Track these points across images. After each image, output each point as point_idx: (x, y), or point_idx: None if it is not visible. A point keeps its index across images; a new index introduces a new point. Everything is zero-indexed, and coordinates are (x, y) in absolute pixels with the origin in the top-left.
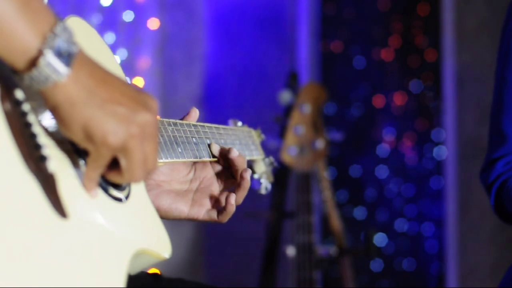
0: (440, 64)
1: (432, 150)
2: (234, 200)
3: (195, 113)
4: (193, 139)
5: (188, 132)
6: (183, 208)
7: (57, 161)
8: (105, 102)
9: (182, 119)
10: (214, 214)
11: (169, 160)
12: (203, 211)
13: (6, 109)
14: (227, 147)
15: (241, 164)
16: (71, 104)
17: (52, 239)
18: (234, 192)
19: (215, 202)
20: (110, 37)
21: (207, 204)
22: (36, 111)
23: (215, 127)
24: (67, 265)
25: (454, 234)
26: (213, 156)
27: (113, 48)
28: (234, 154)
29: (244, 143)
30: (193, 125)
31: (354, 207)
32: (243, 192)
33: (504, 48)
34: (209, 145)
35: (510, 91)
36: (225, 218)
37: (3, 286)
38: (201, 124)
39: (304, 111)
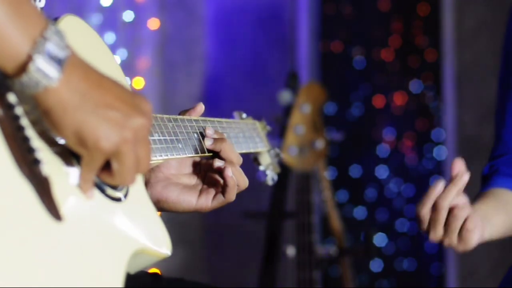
0: (440, 64)
1: (432, 150)
2: (230, 172)
3: (200, 108)
4: (195, 134)
5: (189, 127)
6: (191, 199)
7: (50, 164)
8: (97, 106)
9: (186, 112)
10: (220, 197)
11: (169, 157)
12: (210, 199)
13: None
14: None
15: (213, 147)
16: (63, 108)
17: (48, 242)
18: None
19: (219, 185)
20: (110, 37)
21: (213, 191)
22: (29, 114)
23: (217, 120)
24: (65, 267)
25: None
26: (209, 151)
27: (113, 48)
28: (208, 143)
29: (248, 136)
30: (195, 120)
31: (354, 207)
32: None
33: (505, 53)
34: (202, 138)
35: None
36: (231, 194)
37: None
38: (203, 118)
39: (304, 111)
